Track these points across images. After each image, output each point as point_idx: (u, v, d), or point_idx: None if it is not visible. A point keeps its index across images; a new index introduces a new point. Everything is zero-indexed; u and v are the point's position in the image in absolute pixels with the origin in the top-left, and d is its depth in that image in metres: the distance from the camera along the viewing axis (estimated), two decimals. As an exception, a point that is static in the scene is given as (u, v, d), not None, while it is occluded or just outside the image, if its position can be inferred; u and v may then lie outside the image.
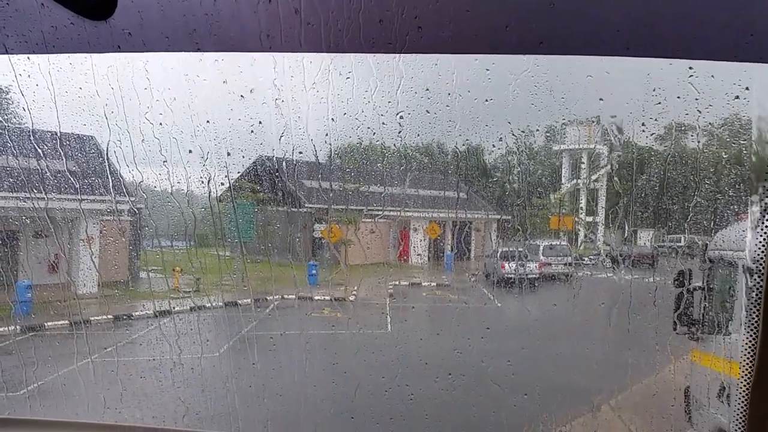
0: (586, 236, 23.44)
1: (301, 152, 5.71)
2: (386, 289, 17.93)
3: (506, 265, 19.18)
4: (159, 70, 4.10)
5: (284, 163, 15.06)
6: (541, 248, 20.25)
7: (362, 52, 2.05)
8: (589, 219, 23.34)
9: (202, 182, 7.16)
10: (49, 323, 13.04)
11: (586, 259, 21.87)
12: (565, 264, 19.66)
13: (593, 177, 21.77)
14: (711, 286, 6.67)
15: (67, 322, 12.60)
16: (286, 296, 16.99)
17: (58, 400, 8.57)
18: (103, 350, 11.17)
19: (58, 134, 7.04)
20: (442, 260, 23.05)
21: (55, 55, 2.02)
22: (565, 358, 11.00)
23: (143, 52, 1.94)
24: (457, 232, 22.60)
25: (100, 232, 13.36)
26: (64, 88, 4.28)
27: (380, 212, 20.48)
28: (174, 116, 5.19)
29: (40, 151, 6.73)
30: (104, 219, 13.59)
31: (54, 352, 10.94)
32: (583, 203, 22.39)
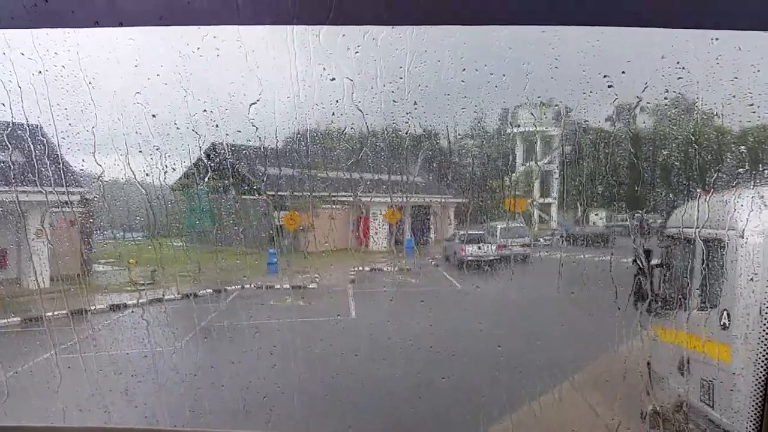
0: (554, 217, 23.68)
1: (258, 138, 5.56)
2: (348, 276, 17.91)
3: (465, 248, 19.41)
4: (110, 50, 3.90)
5: (240, 150, 14.76)
6: (499, 230, 20.53)
7: (304, 24, 1.94)
8: (548, 199, 23.67)
9: (156, 170, 6.91)
10: (-1, 321, 12.57)
11: (542, 239, 22.30)
12: (523, 245, 19.99)
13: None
14: (670, 263, 6.85)
15: (18, 319, 12.15)
16: (246, 286, 16.78)
17: (13, 402, 8.23)
18: (57, 347, 10.80)
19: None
20: (402, 245, 23.12)
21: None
22: (527, 336, 11.20)
23: (87, 27, 1.79)
24: (417, 216, 22.69)
25: (50, 225, 12.87)
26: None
27: (339, 198, 20.36)
28: (125, 102, 4.97)
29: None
30: (53, 211, 13.10)
31: (5, 351, 10.54)
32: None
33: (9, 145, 7.23)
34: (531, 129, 18.74)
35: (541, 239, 22.35)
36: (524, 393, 8.17)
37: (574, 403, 8.70)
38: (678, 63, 3.76)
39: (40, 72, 3.73)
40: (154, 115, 4.71)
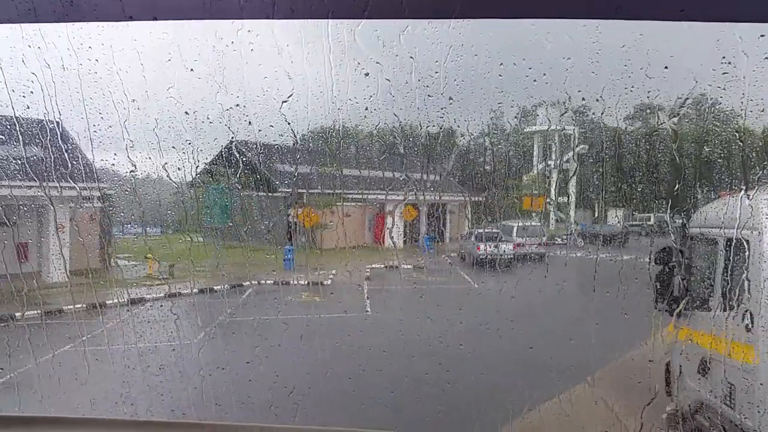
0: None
1: (291, 132, 5.54)
2: (364, 272, 17.91)
3: (481, 246, 19.34)
4: (143, 44, 3.91)
5: (259, 147, 14.83)
6: (515, 229, 20.46)
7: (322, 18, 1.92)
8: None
9: (186, 165, 6.93)
10: (20, 313, 12.67)
11: (558, 239, 22.17)
12: (540, 244, 19.91)
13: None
14: (692, 263, 6.77)
15: (38, 311, 12.25)
16: (262, 281, 16.84)
17: (32, 393, 8.32)
18: (77, 340, 10.89)
19: (25, 119, 6.73)
20: (418, 243, 23.12)
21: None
22: (545, 336, 11.14)
23: (121, 21, 1.78)
24: (433, 214, 22.67)
25: (71, 220, 13.00)
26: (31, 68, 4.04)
27: (356, 196, 20.40)
28: (158, 96, 4.99)
29: (1, 137, 6.42)
30: (74, 206, 13.22)
31: (26, 343, 10.64)
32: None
33: (29, 140, 7.29)
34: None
35: (557, 238, 22.24)
36: (525, 392, 8.15)
37: (590, 404, 8.64)
38: (724, 58, 3.67)
39: (74, 67, 3.75)
40: (186, 113, 4.72)
